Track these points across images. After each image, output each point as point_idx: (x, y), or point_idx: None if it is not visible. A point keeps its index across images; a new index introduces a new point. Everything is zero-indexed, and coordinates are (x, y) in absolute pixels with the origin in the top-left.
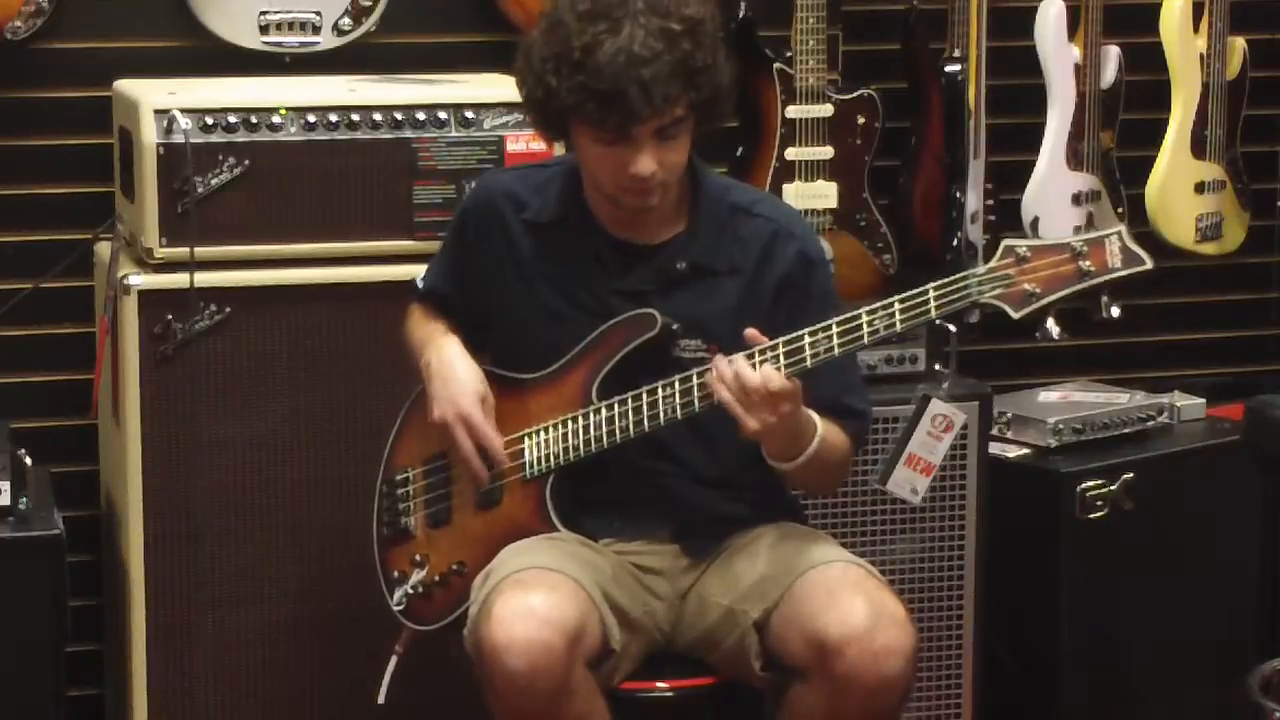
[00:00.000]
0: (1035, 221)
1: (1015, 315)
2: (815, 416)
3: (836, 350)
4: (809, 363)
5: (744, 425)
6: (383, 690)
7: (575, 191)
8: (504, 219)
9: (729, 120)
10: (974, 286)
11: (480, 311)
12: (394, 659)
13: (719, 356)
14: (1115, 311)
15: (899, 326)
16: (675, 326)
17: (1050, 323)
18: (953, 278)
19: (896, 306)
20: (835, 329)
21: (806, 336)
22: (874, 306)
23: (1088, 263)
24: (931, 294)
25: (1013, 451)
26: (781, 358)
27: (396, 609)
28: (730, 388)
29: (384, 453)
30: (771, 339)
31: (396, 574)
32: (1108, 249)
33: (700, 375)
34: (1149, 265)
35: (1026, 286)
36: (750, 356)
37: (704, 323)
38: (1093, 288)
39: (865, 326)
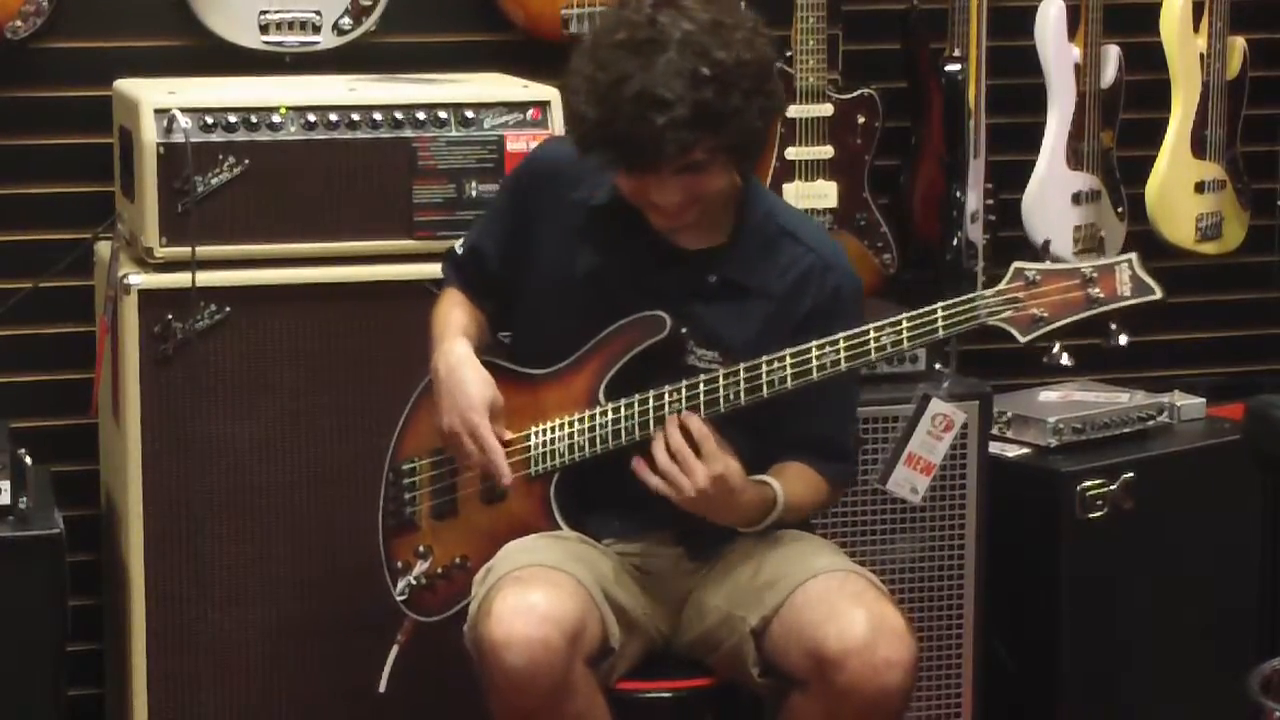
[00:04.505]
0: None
1: (1022, 339)
2: (777, 487)
3: (843, 365)
4: (815, 375)
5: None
6: (383, 679)
7: None
8: (557, 189)
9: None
10: (982, 308)
11: (514, 276)
12: (395, 648)
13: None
14: (1123, 340)
15: (906, 344)
16: (684, 330)
17: (1057, 348)
18: (962, 298)
19: (905, 324)
20: (842, 343)
21: (814, 349)
22: (881, 323)
23: (1097, 290)
24: (940, 313)
25: (1013, 451)
26: (789, 369)
27: (399, 599)
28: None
29: (392, 440)
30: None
31: (400, 564)
32: (1118, 277)
33: (707, 384)
34: (1159, 295)
35: (1035, 311)
36: (756, 369)
37: (723, 338)
38: (1100, 315)
39: (873, 342)
